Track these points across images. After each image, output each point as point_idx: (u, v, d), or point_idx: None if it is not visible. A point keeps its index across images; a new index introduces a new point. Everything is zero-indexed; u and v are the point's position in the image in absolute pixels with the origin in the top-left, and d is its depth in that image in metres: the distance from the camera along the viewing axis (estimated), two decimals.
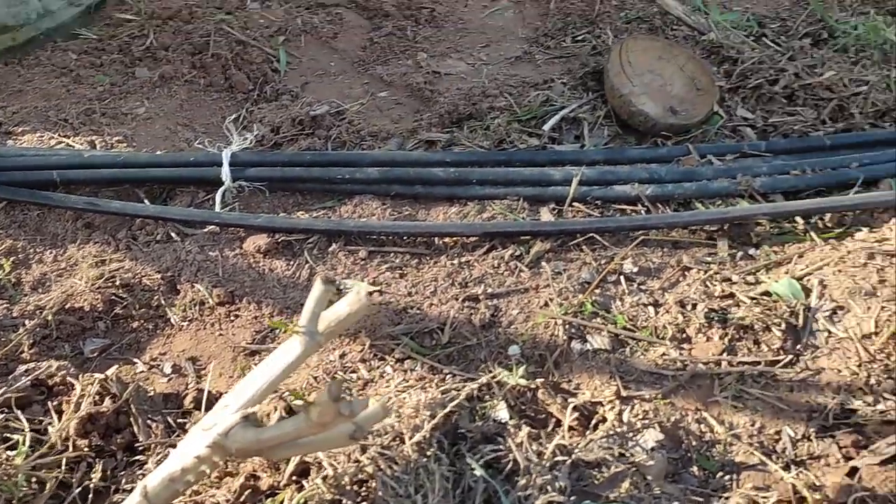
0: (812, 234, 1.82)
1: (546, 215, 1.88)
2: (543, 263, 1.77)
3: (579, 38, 2.50)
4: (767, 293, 1.68)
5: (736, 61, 2.18)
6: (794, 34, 2.35)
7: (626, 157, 1.98)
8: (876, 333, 1.56)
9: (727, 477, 1.39)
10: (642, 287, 1.72)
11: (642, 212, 1.89)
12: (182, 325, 1.68)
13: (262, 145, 2.09)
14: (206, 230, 1.86)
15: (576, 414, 1.45)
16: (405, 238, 1.84)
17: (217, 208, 1.89)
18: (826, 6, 2.46)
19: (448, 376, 1.54)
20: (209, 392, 1.48)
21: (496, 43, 2.57)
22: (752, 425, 1.46)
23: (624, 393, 1.50)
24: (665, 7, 2.34)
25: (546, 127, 2.06)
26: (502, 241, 1.82)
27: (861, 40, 2.25)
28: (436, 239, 1.85)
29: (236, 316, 1.69)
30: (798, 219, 1.86)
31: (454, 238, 1.83)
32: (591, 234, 1.81)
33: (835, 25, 2.35)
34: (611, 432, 1.42)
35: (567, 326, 1.62)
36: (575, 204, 1.91)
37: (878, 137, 1.99)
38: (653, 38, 2.30)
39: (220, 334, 1.65)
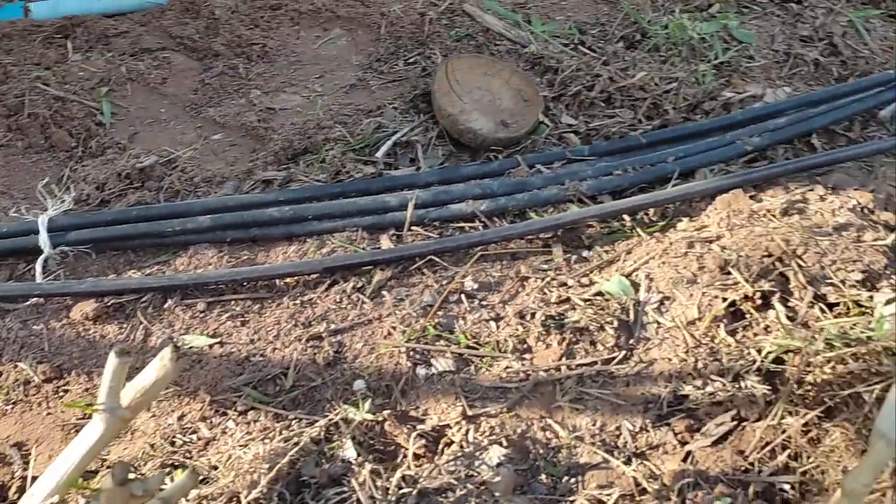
0: (638, 230, 1.91)
1: (386, 243, 1.89)
2: (385, 292, 1.77)
3: (411, 60, 2.52)
4: (600, 293, 1.75)
5: (556, 70, 2.26)
6: (610, 38, 2.46)
7: (460, 176, 2.01)
8: (699, 319, 1.65)
9: (573, 480, 1.43)
10: (483, 303, 1.75)
11: (480, 227, 1.93)
12: (6, 410, 1.58)
13: (87, 205, 1.99)
14: (28, 303, 1.76)
15: (422, 441, 1.46)
16: (245, 284, 1.80)
17: (38, 279, 1.78)
18: (638, 8, 2.60)
19: (294, 422, 1.51)
20: (34, 478, 1.39)
21: (330, 73, 2.56)
22: (594, 425, 1.51)
23: (470, 412, 1.52)
24: (486, 24, 2.40)
25: (379, 154, 2.07)
26: (343, 275, 1.81)
27: (670, 39, 2.38)
28: (277, 281, 1.82)
29: (65, 391, 1.60)
30: (625, 217, 1.94)
31: (295, 277, 1.81)
32: (430, 257, 1.83)
33: (646, 27, 2.48)
34: (458, 454, 1.43)
35: (411, 353, 1.62)
36: (414, 228, 1.92)
37: (690, 130, 2.11)
38: (477, 56, 2.35)
39: (49, 413, 1.56)
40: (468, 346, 1.64)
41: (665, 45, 2.37)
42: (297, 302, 1.76)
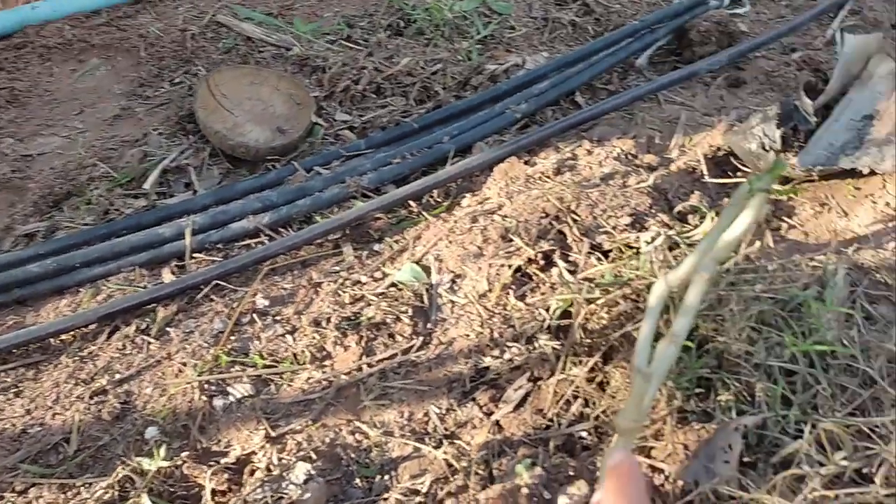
0: (425, 213, 1.92)
1: (168, 276, 1.78)
2: (171, 328, 1.67)
3: (176, 80, 2.40)
4: (394, 284, 1.74)
5: (324, 69, 2.23)
6: (377, 28, 2.46)
7: (238, 192, 1.94)
8: (490, 290, 1.68)
9: (387, 476, 1.41)
10: (277, 318, 1.70)
11: (266, 241, 1.86)
12: None
13: None
14: None
15: (226, 475, 1.38)
16: (14, 351, 1.64)
17: None
18: None
19: (83, 488, 1.39)
20: None
21: (91, 106, 2.39)
22: (402, 416, 1.50)
23: (274, 433, 1.46)
24: (244, 33, 2.33)
25: (147, 185, 1.95)
26: (125, 319, 1.69)
27: (433, 21, 2.41)
28: (51, 340, 1.67)
29: None
30: (411, 203, 1.95)
31: (71, 333, 1.67)
32: (215, 282, 1.74)
33: (410, 12, 2.50)
34: (263, 480, 1.37)
35: (206, 386, 1.54)
36: (197, 255, 1.83)
37: (461, 107, 2.14)
38: (239, 67, 2.28)
39: None
40: (266, 366, 1.58)
41: (429, 28, 2.40)
42: (76, 358, 1.63)
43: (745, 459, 1.28)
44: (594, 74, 2.26)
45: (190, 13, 2.73)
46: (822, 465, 1.19)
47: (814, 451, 1.20)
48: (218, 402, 1.52)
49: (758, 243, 1.66)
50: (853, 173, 2.00)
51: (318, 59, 2.25)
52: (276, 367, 1.58)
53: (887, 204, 1.94)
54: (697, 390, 1.38)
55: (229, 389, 1.54)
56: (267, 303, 1.72)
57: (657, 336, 1.00)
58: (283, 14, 2.67)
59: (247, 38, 2.41)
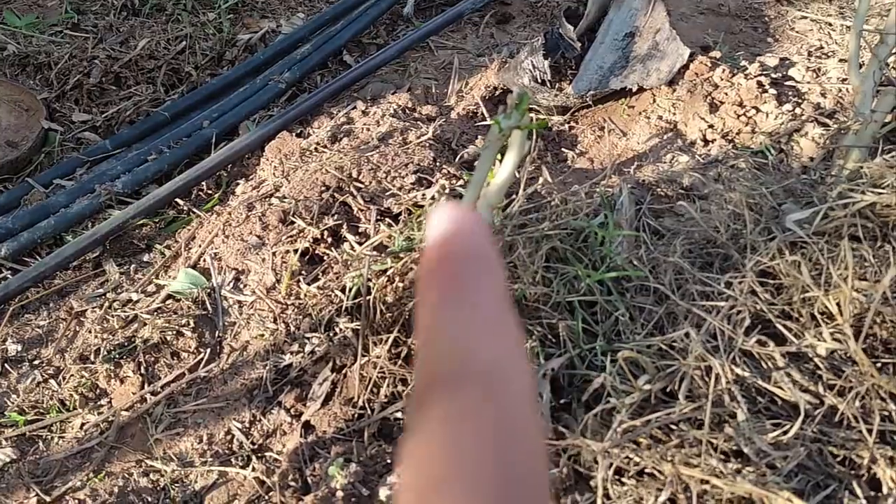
0: (195, 210, 1.73)
1: None
2: None
3: None
4: (170, 296, 1.55)
5: (49, 65, 1.94)
6: (110, 10, 2.17)
7: None
8: (278, 281, 1.53)
9: None
10: (35, 362, 1.46)
11: (9, 275, 1.60)
12: None
13: None
14: None
15: None
16: None
17: None
18: None
19: None
20: None
21: None
22: (201, 442, 1.33)
23: (49, 498, 1.25)
24: None
25: None
26: None
27: None
28: None
29: None
30: (179, 201, 1.74)
31: None
32: None
33: None
34: None
35: None
36: None
37: (217, 86, 1.94)
38: None
39: None
40: (28, 422, 1.35)
41: (169, 3, 2.15)
42: None
43: (563, 401, 1.25)
44: (359, 29, 2.13)
45: None
46: (627, 393, 1.17)
47: (618, 381, 1.18)
48: None
49: (541, 179, 1.63)
50: (625, 92, 2.03)
51: (40, 56, 1.94)
52: (41, 419, 1.36)
53: (660, 117, 1.98)
54: None
55: None
56: (20, 347, 1.47)
57: None
58: None
59: None
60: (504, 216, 1.37)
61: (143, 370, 1.41)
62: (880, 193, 1.30)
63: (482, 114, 1.94)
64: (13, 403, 1.38)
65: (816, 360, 1.19)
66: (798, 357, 1.20)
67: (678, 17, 2.32)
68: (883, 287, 1.18)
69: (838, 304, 1.18)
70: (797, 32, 2.24)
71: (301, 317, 1.48)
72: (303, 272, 1.54)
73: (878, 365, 1.15)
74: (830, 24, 2.23)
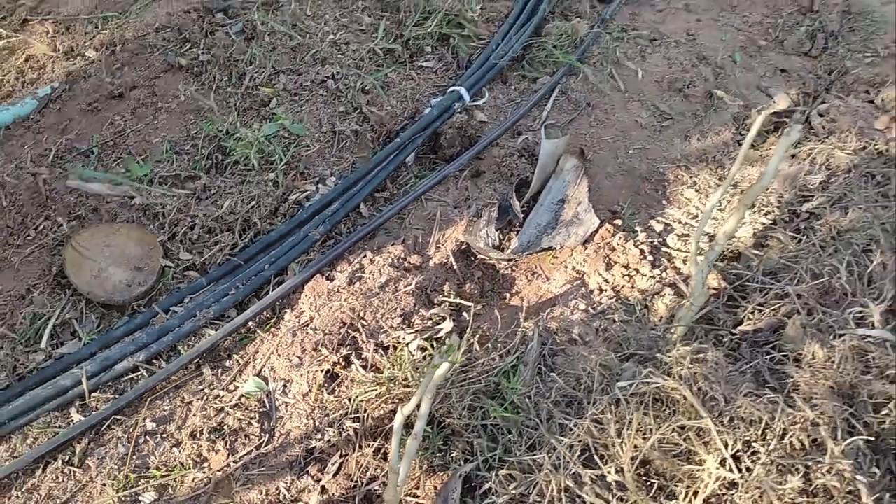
0: (259, 330, 2.67)
1: (76, 416, 2.46)
2: (88, 458, 2.37)
3: (39, 227, 2.95)
4: (244, 395, 2.51)
5: (163, 214, 2.87)
6: (200, 158, 3.08)
7: (115, 337, 2.60)
8: (310, 391, 2.48)
9: None
10: (164, 435, 2.43)
11: (146, 374, 2.56)
12: None
13: None
14: None
15: None
16: None
17: None
18: (212, 122, 3.22)
19: None
20: None
21: None
22: (262, 493, 2.29)
23: None
24: (89, 191, 2.90)
25: (43, 343, 2.58)
26: (52, 455, 2.36)
27: (243, 144, 3.07)
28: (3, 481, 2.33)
29: None
30: (250, 324, 2.68)
31: (10, 476, 2.33)
32: (113, 416, 2.44)
33: (224, 142, 3.13)
34: None
35: (124, 499, 2.27)
36: (95, 394, 2.50)
37: (273, 238, 2.86)
38: (95, 225, 2.87)
39: None
40: (162, 475, 2.33)
41: (243, 160, 3.05)
42: (23, 491, 2.30)
43: (472, 496, 2.19)
44: (373, 189, 3.03)
45: (35, 150, 3.22)
46: (503, 494, 2.10)
47: (499, 485, 2.11)
48: None
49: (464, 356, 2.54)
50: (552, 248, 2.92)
51: (157, 206, 2.88)
52: (169, 474, 2.33)
53: (573, 268, 2.87)
54: (442, 450, 2.27)
55: (140, 498, 2.28)
56: (154, 425, 2.45)
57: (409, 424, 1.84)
58: (117, 143, 3.22)
59: (96, 195, 2.96)
60: (448, 375, 2.30)
61: (227, 445, 2.38)
62: (666, 379, 2.21)
63: (451, 264, 2.84)
64: (153, 463, 2.36)
65: (611, 481, 2.11)
66: (602, 478, 2.13)
67: (604, 176, 3.17)
68: (653, 438, 2.10)
69: (622, 447, 2.10)
70: (685, 198, 3.08)
71: (322, 416, 2.43)
72: (325, 385, 2.48)
73: (648, 485, 2.07)
74: (708, 196, 3.08)
